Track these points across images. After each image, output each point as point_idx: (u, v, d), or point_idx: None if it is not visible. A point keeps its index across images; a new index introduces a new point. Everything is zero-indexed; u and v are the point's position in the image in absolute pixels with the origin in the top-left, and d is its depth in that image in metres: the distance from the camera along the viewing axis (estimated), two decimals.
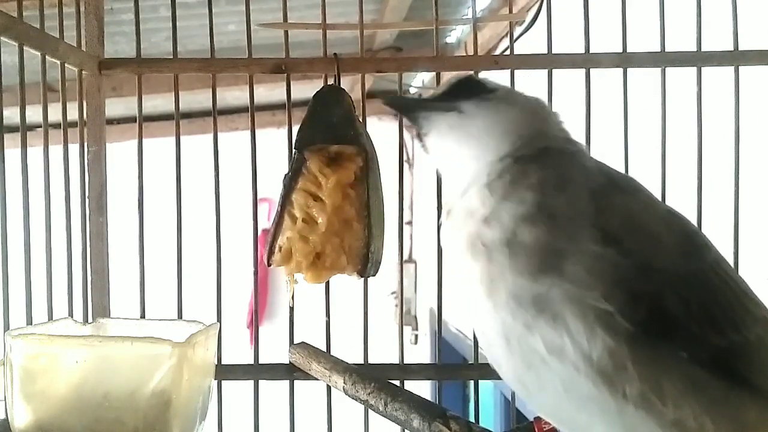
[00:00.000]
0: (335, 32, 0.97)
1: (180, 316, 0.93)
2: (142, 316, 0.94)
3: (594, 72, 0.93)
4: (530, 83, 0.90)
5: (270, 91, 2.73)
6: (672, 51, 0.92)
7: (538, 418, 0.71)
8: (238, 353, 0.98)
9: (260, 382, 0.96)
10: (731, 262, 0.87)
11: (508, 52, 0.97)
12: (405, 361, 0.96)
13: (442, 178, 0.70)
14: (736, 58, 0.90)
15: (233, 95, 2.94)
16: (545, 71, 0.92)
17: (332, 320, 0.97)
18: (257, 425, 0.96)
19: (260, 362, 0.97)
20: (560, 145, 0.61)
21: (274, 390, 0.97)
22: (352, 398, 0.80)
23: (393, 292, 3.59)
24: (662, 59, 0.92)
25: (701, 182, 0.90)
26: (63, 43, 0.90)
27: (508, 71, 0.93)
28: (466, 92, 0.62)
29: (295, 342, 0.94)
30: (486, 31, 2.15)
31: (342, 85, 0.93)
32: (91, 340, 0.76)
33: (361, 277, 0.88)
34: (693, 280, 0.54)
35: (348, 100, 0.91)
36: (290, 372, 0.94)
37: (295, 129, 0.91)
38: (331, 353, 0.90)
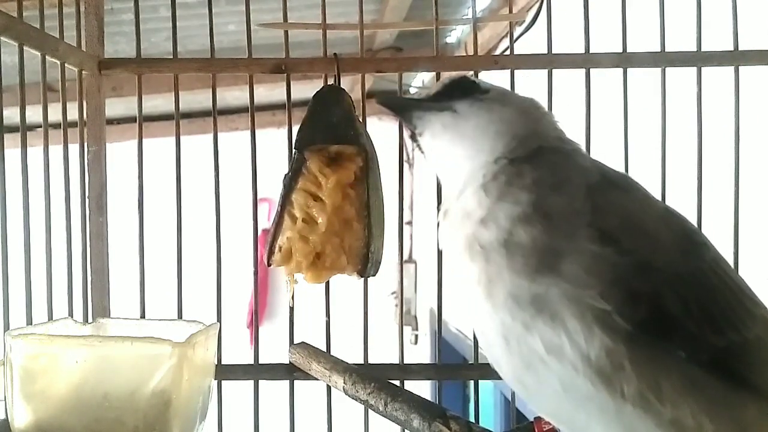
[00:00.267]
0: (335, 32, 0.97)
1: (180, 316, 0.93)
2: (142, 316, 0.94)
3: (594, 72, 0.93)
4: (530, 83, 0.90)
5: (270, 91, 2.73)
6: (672, 51, 0.92)
7: (538, 418, 0.71)
8: (238, 353, 0.98)
9: (260, 382, 0.96)
10: (731, 262, 0.87)
11: (508, 52, 0.97)
12: (405, 361, 0.96)
13: (439, 178, 0.70)
14: (736, 58, 0.90)
15: (233, 95, 2.94)
16: (545, 71, 0.92)
17: (332, 320, 0.97)
18: (257, 425, 0.96)
19: (260, 362, 0.97)
20: (555, 144, 0.61)
21: (274, 390, 0.97)
22: (352, 398, 0.80)
23: (393, 292, 3.59)
24: (662, 59, 0.92)
25: (701, 182, 0.90)
26: (63, 43, 0.90)
27: (508, 71, 0.93)
28: (459, 92, 0.62)
29: (295, 342, 0.94)
30: (486, 31, 2.15)
31: (342, 85, 0.93)
32: (91, 340, 0.76)
33: (361, 277, 0.88)
34: (691, 279, 0.54)
35: (348, 100, 0.91)
36: (290, 372, 0.94)
37: (295, 129, 0.91)
38: (331, 353, 0.90)
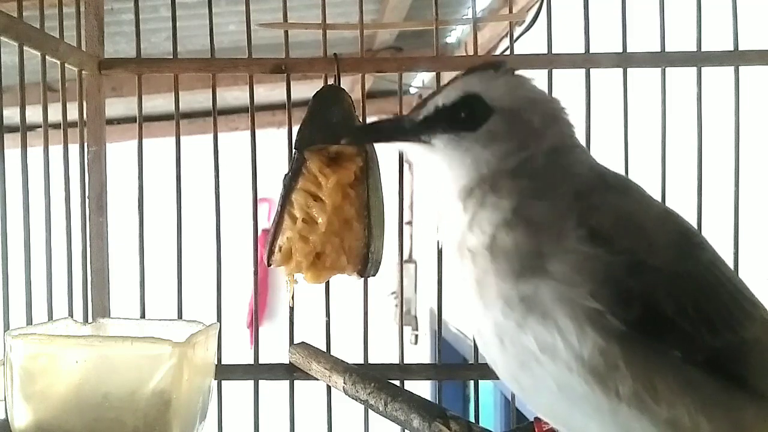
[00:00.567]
0: (335, 32, 0.98)
1: (180, 316, 0.93)
2: (142, 316, 0.94)
3: (594, 72, 0.93)
4: None
5: (270, 91, 2.73)
6: (672, 51, 0.92)
7: (537, 419, 0.71)
8: (238, 353, 0.98)
9: (260, 382, 0.96)
10: (731, 262, 0.87)
11: (508, 52, 0.97)
12: (405, 361, 0.96)
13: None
14: (736, 58, 0.90)
15: (233, 95, 2.94)
16: (545, 71, 0.92)
17: (332, 320, 0.97)
18: (257, 425, 0.96)
19: (260, 362, 0.97)
20: (550, 156, 0.59)
21: (274, 390, 0.97)
22: (352, 398, 0.80)
23: (393, 292, 3.59)
24: (662, 59, 0.92)
25: (701, 182, 0.90)
26: (63, 43, 0.90)
27: None
28: (457, 115, 0.60)
29: (295, 342, 0.94)
30: (486, 31, 2.15)
31: (342, 85, 0.93)
32: (91, 340, 0.76)
33: (361, 277, 0.88)
34: (687, 279, 0.53)
35: (348, 100, 0.91)
36: (290, 372, 0.94)
37: (295, 129, 0.91)
38: (331, 353, 0.90)
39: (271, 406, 0.98)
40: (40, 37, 0.86)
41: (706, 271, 0.55)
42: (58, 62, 0.89)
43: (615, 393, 0.50)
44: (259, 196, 0.96)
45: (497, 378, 0.62)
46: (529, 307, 0.52)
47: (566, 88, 0.92)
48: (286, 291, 0.90)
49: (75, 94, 0.93)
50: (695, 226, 0.89)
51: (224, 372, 0.94)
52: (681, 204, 0.85)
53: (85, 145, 0.95)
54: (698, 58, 0.91)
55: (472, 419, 0.77)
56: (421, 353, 3.72)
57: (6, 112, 0.83)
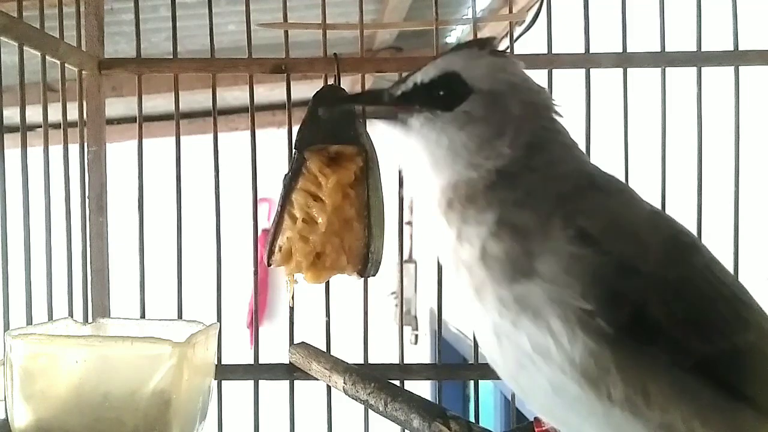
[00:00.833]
0: (335, 32, 0.97)
1: (180, 316, 0.93)
2: (142, 316, 0.94)
3: (594, 72, 0.93)
4: None
5: (270, 91, 2.73)
6: (672, 51, 0.92)
7: (537, 419, 0.71)
8: (238, 353, 0.98)
9: (260, 382, 0.96)
10: (731, 262, 0.87)
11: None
12: (405, 361, 0.96)
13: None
14: (736, 58, 0.90)
15: (233, 95, 2.94)
16: (545, 71, 0.92)
17: (332, 320, 0.97)
18: (257, 425, 0.96)
19: (260, 362, 0.97)
20: (536, 158, 0.58)
21: (274, 390, 0.97)
22: (352, 398, 0.80)
23: (393, 292, 3.59)
24: (662, 59, 0.92)
25: (701, 182, 0.90)
26: (63, 43, 0.90)
27: None
28: (434, 93, 0.59)
29: (295, 342, 0.94)
30: (486, 31, 2.14)
31: (342, 85, 0.93)
32: (91, 340, 0.76)
33: (361, 277, 0.88)
34: (677, 284, 0.53)
35: None
36: (290, 372, 0.94)
37: (295, 129, 0.91)
38: (331, 353, 0.90)
39: (271, 406, 0.98)
40: (40, 37, 0.86)
41: (699, 275, 0.54)
42: (58, 62, 0.89)
43: (607, 396, 0.50)
44: (259, 196, 0.96)
45: (497, 378, 0.62)
46: (522, 307, 0.52)
47: (566, 88, 0.92)
48: (286, 291, 0.90)
49: (75, 94, 0.93)
50: (695, 226, 0.89)
51: (224, 372, 0.94)
52: (681, 204, 0.86)
53: (85, 145, 0.95)
54: (698, 58, 0.91)
55: (472, 419, 0.77)
56: (421, 353, 3.72)
57: (6, 112, 0.83)
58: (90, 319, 0.93)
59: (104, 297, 0.97)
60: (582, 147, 0.66)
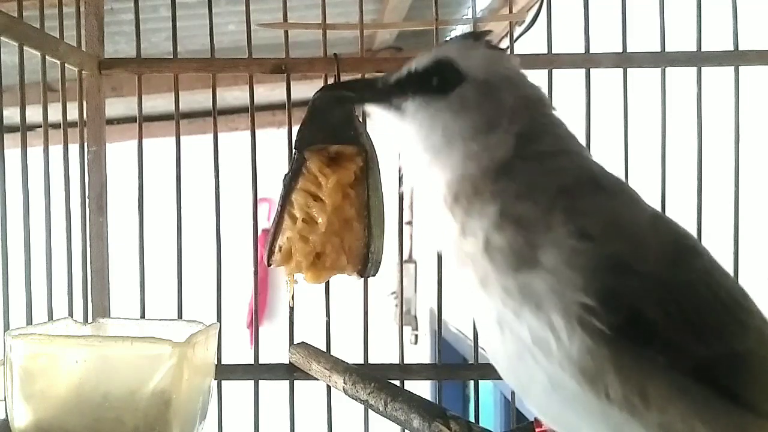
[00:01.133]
0: (335, 32, 0.97)
1: (180, 316, 0.93)
2: (142, 316, 0.94)
3: (594, 72, 0.93)
4: None
5: (270, 91, 2.73)
6: (672, 51, 0.92)
7: (537, 419, 0.71)
8: (238, 353, 0.98)
9: (260, 382, 0.96)
10: (731, 262, 0.87)
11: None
12: (405, 361, 0.96)
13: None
14: (736, 58, 0.90)
15: (233, 95, 2.94)
16: (545, 71, 0.92)
17: (332, 320, 0.97)
18: (257, 425, 0.96)
19: (260, 362, 0.97)
20: (535, 149, 0.58)
21: (274, 390, 0.97)
22: (352, 398, 0.80)
23: (393, 292, 3.59)
24: (662, 59, 0.92)
25: (701, 182, 0.90)
26: (63, 43, 0.90)
27: None
28: (429, 80, 0.59)
29: (295, 342, 0.94)
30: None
31: None
32: (91, 340, 0.76)
33: (361, 277, 0.88)
34: (675, 286, 0.52)
35: None
36: (290, 372, 0.94)
37: (295, 129, 0.91)
38: (331, 353, 0.90)
39: (271, 406, 0.98)
40: (40, 37, 0.86)
41: (698, 279, 0.54)
42: (58, 62, 0.89)
43: (605, 395, 0.50)
44: (259, 196, 0.96)
45: (497, 378, 0.62)
46: (525, 297, 0.52)
47: (566, 88, 0.92)
48: (286, 291, 0.90)
49: (75, 94, 0.93)
50: (695, 226, 0.89)
51: (224, 372, 0.94)
52: (681, 204, 0.86)
53: (85, 145, 0.95)
54: (698, 58, 0.91)
55: (472, 419, 0.77)
56: (421, 353, 3.72)
57: (6, 112, 0.83)
58: (90, 319, 0.93)
59: (104, 297, 0.97)
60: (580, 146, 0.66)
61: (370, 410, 0.82)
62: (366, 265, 0.86)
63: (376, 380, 0.79)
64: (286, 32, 0.96)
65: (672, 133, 0.91)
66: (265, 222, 0.97)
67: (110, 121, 1.01)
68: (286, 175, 0.88)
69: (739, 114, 0.89)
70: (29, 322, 0.84)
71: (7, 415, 0.73)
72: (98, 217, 0.97)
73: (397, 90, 0.60)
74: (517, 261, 0.53)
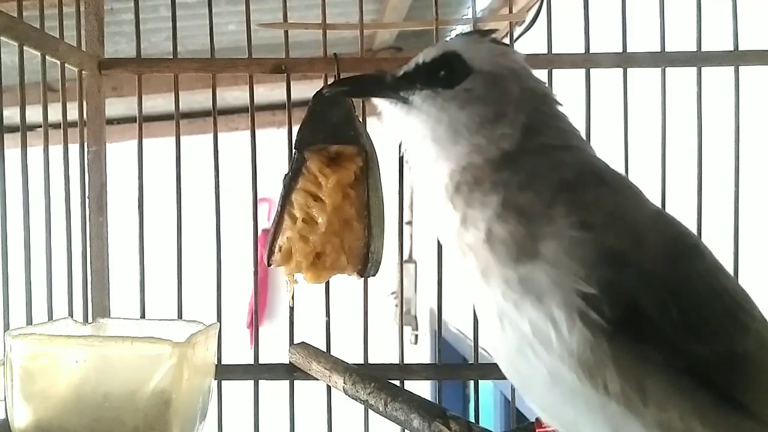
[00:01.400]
0: (335, 32, 0.97)
1: (180, 316, 0.93)
2: (142, 316, 0.94)
3: (594, 72, 0.93)
4: None
5: (270, 91, 2.73)
6: (672, 51, 0.92)
7: (538, 419, 0.71)
8: (238, 353, 0.98)
9: (260, 382, 0.96)
10: (731, 262, 0.87)
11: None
12: (405, 361, 0.96)
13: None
14: (736, 58, 0.90)
15: (233, 95, 2.94)
16: (545, 71, 0.92)
17: (332, 320, 0.97)
18: (257, 425, 0.96)
19: (260, 362, 0.97)
20: (540, 142, 0.59)
21: (274, 390, 0.97)
22: (352, 398, 0.80)
23: (393, 292, 3.59)
24: (662, 59, 0.92)
25: (701, 182, 0.90)
26: (63, 43, 0.90)
27: None
28: (436, 73, 0.60)
29: (295, 342, 0.94)
30: None
31: None
32: (91, 340, 0.76)
33: (361, 277, 0.88)
34: (674, 284, 0.52)
35: (348, 100, 0.91)
36: (290, 372, 0.94)
37: (295, 129, 0.91)
38: (331, 353, 0.90)
39: (271, 406, 0.98)
40: (40, 37, 0.86)
41: (698, 277, 0.54)
42: (58, 62, 0.89)
43: (604, 389, 0.50)
44: (259, 196, 0.96)
45: (497, 378, 0.62)
46: (525, 289, 0.52)
47: (566, 88, 0.92)
48: (286, 291, 0.90)
49: (75, 94, 0.93)
50: (695, 226, 0.89)
51: (224, 372, 0.94)
52: (681, 204, 0.86)
53: (85, 145, 0.95)
54: (698, 58, 0.91)
55: (472, 419, 0.77)
56: (421, 353, 3.72)
57: (6, 112, 0.83)
58: (90, 319, 0.93)
59: (104, 297, 0.97)
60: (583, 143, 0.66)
61: (370, 410, 0.82)
62: (366, 265, 0.86)
63: (376, 380, 0.79)
64: (286, 32, 0.96)
65: (672, 133, 0.91)
66: (265, 222, 0.97)
67: (110, 121, 1.01)
68: (286, 175, 0.88)
69: (739, 114, 0.89)
70: (29, 322, 0.84)
71: (7, 415, 0.73)
72: (98, 217, 0.97)
73: (405, 83, 0.61)
74: (518, 252, 0.53)
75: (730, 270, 0.85)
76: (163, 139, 1.07)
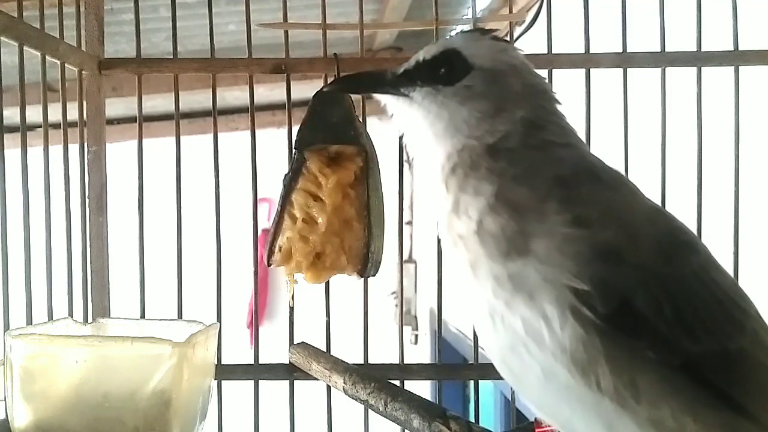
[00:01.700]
0: (335, 32, 0.98)
1: (180, 316, 0.93)
2: (142, 316, 0.94)
3: (594, 72, 0.93)
4: None
5: (270, 91, 2.73)
6: (672, 51, 0.92)
7: (538, 419, 0.71)
8: (238, 353, 0.98)
9: (260, 382, 0.96)
10: (731, 262, 0.87)
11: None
12: (405, 361, 0.96)
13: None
14: (736, 58, 0.90)
15: (233, 95, 2.94)
16: (545, 71, 0.92)
17: (332, 320, 0.97)
18: (257, 425, 0.96)
19: (260, 362, 0.97)
20: (536, 137, 0.59)
21: (274, 390, 0.97)
22: (352, 398, 0.80)
23: (393, 292, 3.59)
24: (662, 59, 0.92)
25: (701, 182, 0.90)
26: (63, 43, 0.90)
27: None
28: (436, 70, 0.61)
29: (295, 342, 0.94)
30: None
31: None
32: (91, 340, 0.76)
33: (361, 277, 0.88)
34: (668, 281, 0.52)
35: (348, 100, 0.91)
36: (290, 372, 0.94)
37: (295, 129, 0.91)
38: (331, 353, 0.90)
39: (271, 406, 0.98)
40: (40, 37, 0.86)
41: (693, 275, 0.54)
42: (58, 62, 0.89)
43: (596, 385, 0.50)
44: (259, 196, 0.96)
45: (497, 378, 0.62)
46: (516, 287, 0.52)
47: (566, 88, 0.92)
48: (286, 291, 0.90)
49: (75, 94, 0.93)
50: (695, 226, 0.89)
51: (224, 372, 0.94)
52: (681, 204, 0.86)
53: (85, 145, 0.95)
54: (698, 58, 0.91)
55: (472, 419, 0.77)
56: (421, 353, 3.72)
57: (6, 112, 0.83)
58: (90, 319, 0.93)
59: (104, 297, 0.97)
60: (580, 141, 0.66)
61: (370, 410, 0.82)
62: (366, 265, 0.86)
63: (376, 380, 0.79)
64: (286, 32, 0.96)
65: (672, 133, 0.91)
66: (265, 222, 0.97)
67: (110, 121, 1.01)
68: (286, 175, 0.88)
69: (739, 114, 0.89)
70: (29, 322, 0.84)
71: (7, 415, 0.73)
72: (98, 217, 0.97)
73: (406, 79, 0.62)
74: (508, 247, 0.53)
75: (730, 270, 0.85)
76: (163, 139, 1.07)
